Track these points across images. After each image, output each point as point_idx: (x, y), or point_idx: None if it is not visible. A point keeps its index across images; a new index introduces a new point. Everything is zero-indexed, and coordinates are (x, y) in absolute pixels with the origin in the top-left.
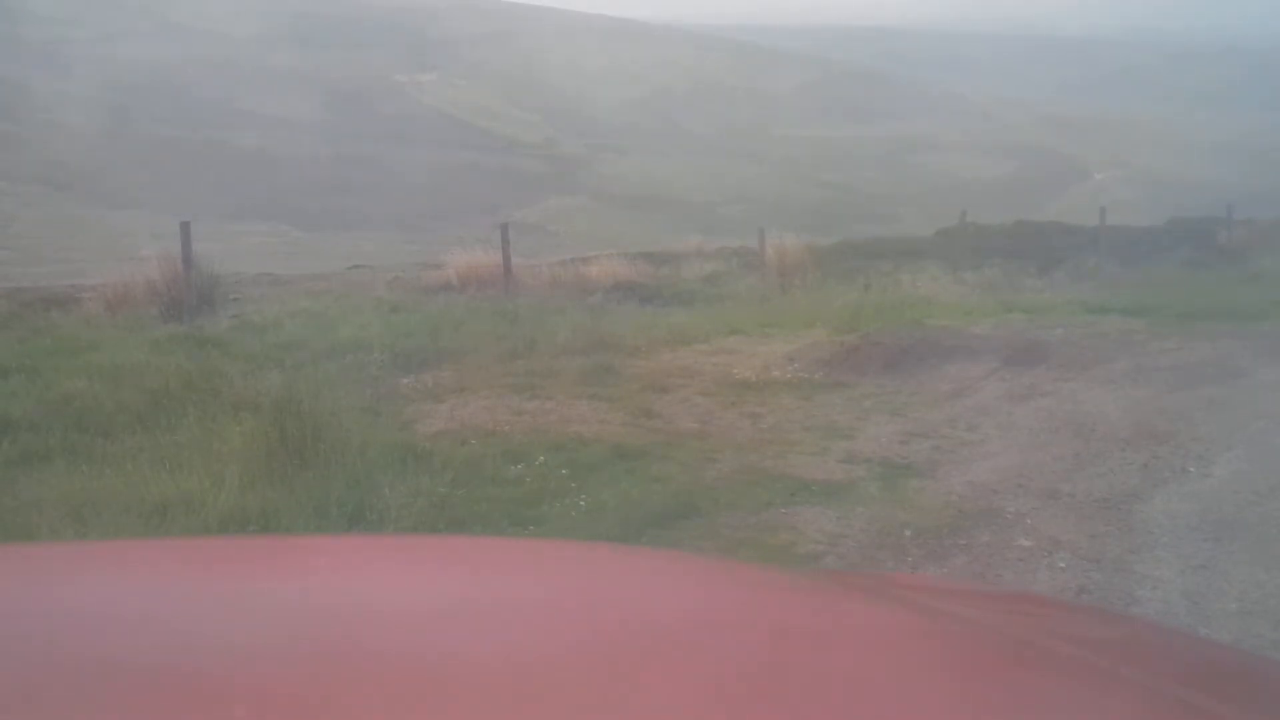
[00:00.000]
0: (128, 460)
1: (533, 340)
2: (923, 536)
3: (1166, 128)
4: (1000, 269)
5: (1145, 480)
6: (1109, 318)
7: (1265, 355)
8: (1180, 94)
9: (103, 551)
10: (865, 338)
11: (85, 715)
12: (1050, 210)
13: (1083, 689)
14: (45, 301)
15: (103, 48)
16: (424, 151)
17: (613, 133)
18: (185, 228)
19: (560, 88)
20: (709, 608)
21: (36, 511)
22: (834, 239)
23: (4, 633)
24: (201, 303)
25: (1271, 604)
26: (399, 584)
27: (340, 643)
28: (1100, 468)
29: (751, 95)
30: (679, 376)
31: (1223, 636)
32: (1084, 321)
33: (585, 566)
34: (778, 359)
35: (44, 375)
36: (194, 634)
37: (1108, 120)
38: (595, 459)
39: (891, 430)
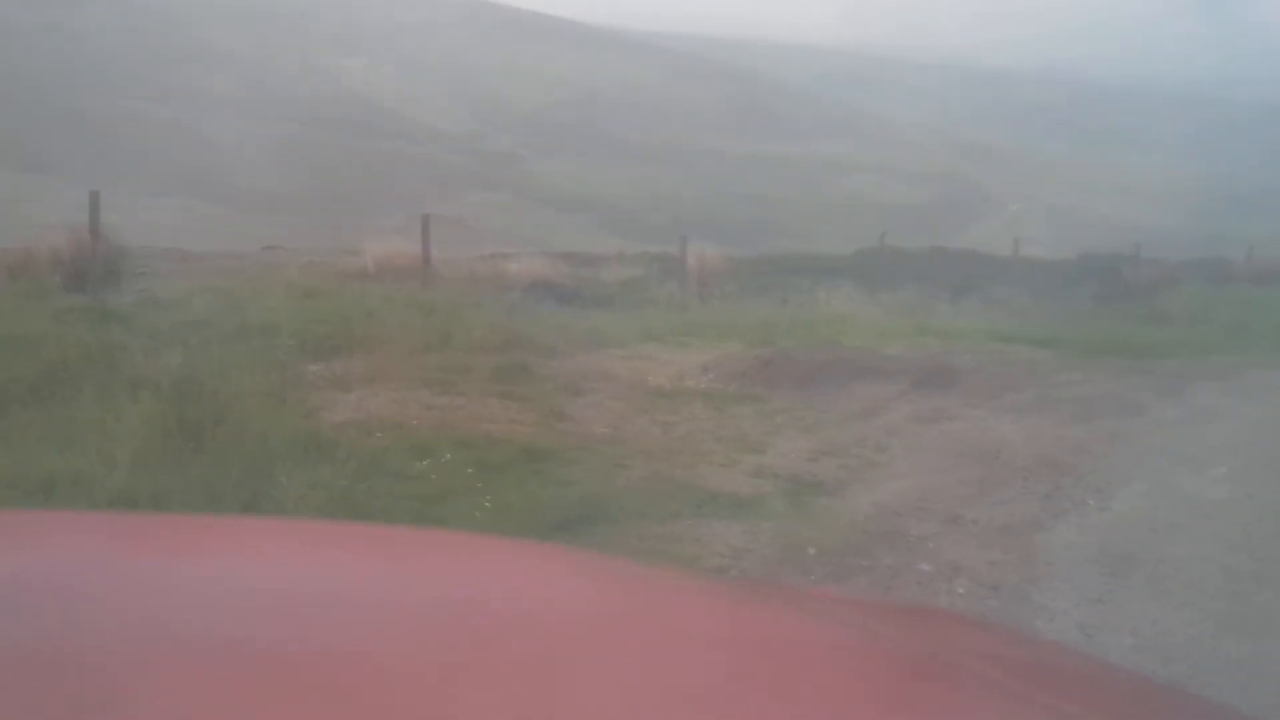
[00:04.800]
0: (15, 434)
1: (447, 334)
2: (826, 555)
3: (1080, 165)
4: (915, 293)
5: (1046, 510)
6: (1017, 347)
7: (1166, 393)
8: (1094, 133)
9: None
10: (780, 352)
11: None
12: (964, 238)
13: (989, 706)
14: None
15: (26, 14)
16: (347, 137)
17: (541, 132)
18: (94, 197)
19: (491, 83)
20: (612, 607)
21: None
22: (754, 252)
23: None
24: (107, 275)
25: (1164, 641)
26: (313, 570)
27: (223, 628)
28: (1002, 495)
29: (682, 104)
30: (593, 380)
31: None
32: (993, 350)
33: (483, 559)
34: (693, 368)
35: None
36: (69, 611)
37: (1025, 154)
38: (503, 459)
39: (801, 447)
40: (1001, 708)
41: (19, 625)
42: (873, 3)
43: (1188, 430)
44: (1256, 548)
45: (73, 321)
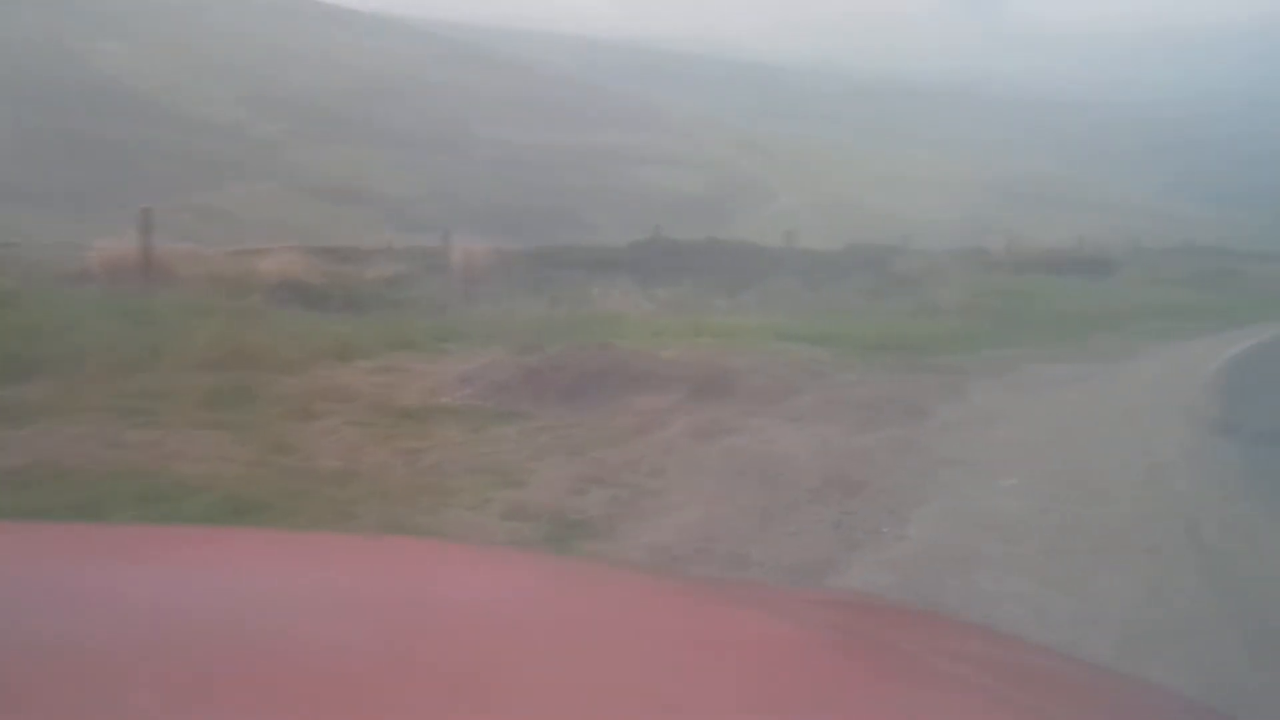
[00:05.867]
0: None
1: (160, 348)
2: None
3: (850, 157)
4: (691, 287)
5: (839, 542)
6: (795, 346)
7: (946, 392)
8: (863, 126)
9: None
10: (548, 359)
11: None
12: (738, 229)
13: (966, 706)
14: None
15: None
16: (104, 125)
17: (311, 119)
18: None
19: (257, 69)
20: (592, 610)
21: None
22: (532, 244)
23: None
24: None
25: None
26: (305, 579)
27: (220, 636)
28: (790, 525)
29: (457, 93)
30: (330, 400)
31: None
32: (771, 350)
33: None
34: (449, 381)
35: None
36: (71, 619)
37: (796, 146)
38: (199, 514)
39: (567, 475)
40: (980, 708)
41: (22, 633)
42: None
43: (972, 434)
44: (1063, 581)
45: None
